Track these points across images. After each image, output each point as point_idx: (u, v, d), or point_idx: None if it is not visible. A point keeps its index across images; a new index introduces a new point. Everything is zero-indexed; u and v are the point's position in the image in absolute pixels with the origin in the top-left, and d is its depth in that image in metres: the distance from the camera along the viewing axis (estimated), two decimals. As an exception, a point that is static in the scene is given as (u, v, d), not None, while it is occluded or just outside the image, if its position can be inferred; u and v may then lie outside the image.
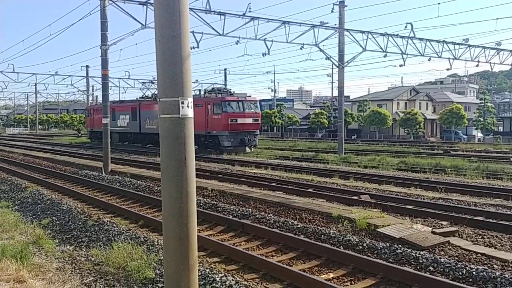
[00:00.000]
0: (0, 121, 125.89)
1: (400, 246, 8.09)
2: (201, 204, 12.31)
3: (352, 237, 8.77)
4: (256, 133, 33.10)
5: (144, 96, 45.27)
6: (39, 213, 12.37)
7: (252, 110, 32.54)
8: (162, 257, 7.39)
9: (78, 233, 10.08)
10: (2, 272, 6.77)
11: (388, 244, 8.21)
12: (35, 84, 68.47)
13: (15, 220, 11.00)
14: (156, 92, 40.42)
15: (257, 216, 10.80)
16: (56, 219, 11.36)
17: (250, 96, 34.63)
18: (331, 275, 7.13)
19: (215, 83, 69.84)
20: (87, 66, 60.78)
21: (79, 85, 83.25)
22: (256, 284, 6.61)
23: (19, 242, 8.87)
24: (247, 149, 32.32)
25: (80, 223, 10.68)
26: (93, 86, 68.66)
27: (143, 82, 56.23)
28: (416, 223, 10.03)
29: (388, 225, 9.39)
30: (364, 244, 8.34)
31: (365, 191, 14.20)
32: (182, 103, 4.93)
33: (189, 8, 5.48)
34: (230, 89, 35.64)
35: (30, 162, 25.72)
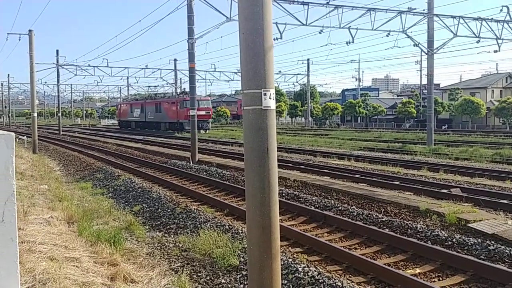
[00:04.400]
0: (96, 113, 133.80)
1: (492, 242, 7.68)
2: (284, 194, 12.39)
3: (440, 232, 8.44)
4: (208, 121, 50.46)
5: (149, 95, 63.35)
6: (130, 200, 13.06)
7: (205, 106, 49.04)
8: (246, 245, 7.55)
9: (167, 220, 10.52)
10: (97, 255, 7.21)
11: (479, 240, 7.82)
12: (127, 78, 71.87)
13: (109, 207, 11.70)
14: (156, 93, 64.72)
15: (340, 208, 10.68)
16: (146, 206, 11.94)
17: (205, 96, 55.61)
18: (418, 271, 6.91)
19: (298, 74, 69.93)
20: (175, 60, 62.92)
21: (167, 78, 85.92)
22: (339, 276, 6.55)
23: (112, 228, 9.42)
24: (202, 131, 45.56)
25: (168, 210, 11.14)
26: (180, 78, 71.05)
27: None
28: (511, 219, 9.44)
29: (480, 220, 8.94)
30: (454, 240, 8.00)
31: (456, 184, 13.56)
32: (265, 94, 4.97)
33: None
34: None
35: (122, 152, 27.12)
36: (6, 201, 2.43)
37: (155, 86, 75.96)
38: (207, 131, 47.32)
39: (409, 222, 9.23)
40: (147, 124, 56.88)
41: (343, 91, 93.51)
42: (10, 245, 2.45)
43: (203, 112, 46.90)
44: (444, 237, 8.16)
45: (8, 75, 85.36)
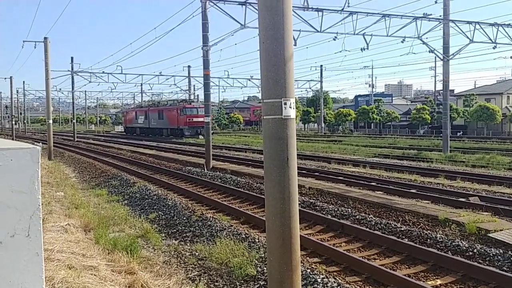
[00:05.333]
0: (110, 120, 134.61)
1: (515, 253, 7.52)
2: (299, 203, 12.26)
3: (461, 242, 8.30)
4: None
5: (152, 102, 66.96)
6: (146, 207, 13.06)
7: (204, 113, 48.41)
8: (263, 255, 7.49)
9: (183, 228, 10.49)
10: (114, 263, 7.19)
11: (501, 251, 7.67)
12: (141, 84, 72.39)
13: (125, 214, 11.71)
14: (159, 100, 68.35)
15: (357, 216, 10.57)
16: (162, 213, 11.93)
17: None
18: (439, 282, 6.79)
19: (311, 80, 69.82)
20: (189, 67, 63.03)
21: (181, 85, 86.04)
22: (358, 287, 6.46)
23: (128, 235, 9.41)
24: (200, 137, 48.81)
25: (184, 218, 11.12)
26: (194, 85, 71.27)
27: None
28: (533, 229, 9.26)
29: (500, 230, 8.80)
30: (475, 250, 7.86)
31: (474, 193, 13.38)
32: (285, 104, 4.93)
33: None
34: (193, 100, 58.29)
35: (137, 159, 27.21)
36: (32, 215, 2.41)
37: (158, 94, 76.94)
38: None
39: (428, 231, 9.10)
40: (151, 130, 59.97)
41: (356, 97, 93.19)
42: (36, 260, 2.42)
43: (201, 119, 51.72)
44: (464, 247, 8.02)
45: (24, 82, 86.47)
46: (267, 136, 5.07)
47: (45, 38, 30.48)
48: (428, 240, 8.60)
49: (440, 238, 8.54)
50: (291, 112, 4.99)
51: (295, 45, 25.60)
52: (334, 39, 27.60)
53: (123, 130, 76.06)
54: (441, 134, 31.48)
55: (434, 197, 12.60)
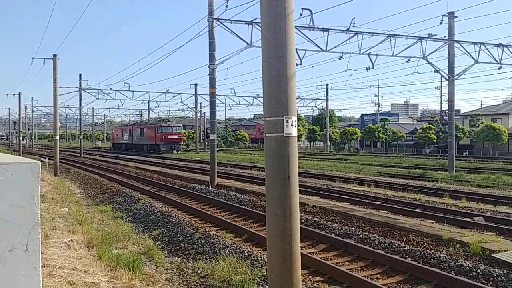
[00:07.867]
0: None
1: (519, 274, 7.44)
2: (303, 221, 12.26)
3: (464, 262, 8.23)
4: (180, 143, 61.71)
5: (135, 122, 74.44)
6: (150, 224, 13.06)
7: (177, 131, 60.44)
8: (265, 273, 7.45)
9: (186, 245, 10.47)
10: (116, 280, 7.18)
11: (505, 272, 7.61)
12: (148, 102, 72.57)
13: (128, 231, 11.71)
14: (141, 120, 75.47)
15: (361, 235, 10.51)
16: (165, 230, 11.92)
17: (178, 123, 65.54)
18: (442, 303, 6.72)
19: (317, 98, 69.92)
20: (195, 84, 63.42)
21: (188, 102, 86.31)
22: (360, 307, 6.41)
23: (131, 252, 9.40)
24: (174, 152, 57.84)
25: (187, 235, 11.10)
26: (201, 103, 71.64)
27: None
28: (539, 250, 9.17)
29: (505, 251, 8.74)
30: (478, 271, 7.80)
31: (479, 213, 13.30)
32: (287, 122, 4.97)
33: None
34: (169, 120, 68.02)
35: (142, 175, 27.26)
36: (31, 230, 2.43)
37: (176, 110, 78.25)
38: (179, 152, 59.48)
39: (432, 251, 9.03)
40: (134, 146, 66.34)
41: (362, 116, 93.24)
42: (33, 275, 2.44)
43: (175, 136, 59.91)
44: (468, 268, 7.96)
45: (32, 98, 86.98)
46: (269, 154, 5.10)
47: (54, 55, 30.86)
48: (432, 259, 8.53)
49: (443, 258, 8.48)
50: (293, 130, 5.03)
51: (300, 64, 25.77)
52: (339, 59, 27.69)
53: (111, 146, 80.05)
54: (447, 154, 31.37)
55: (438, 217, 12.53)
